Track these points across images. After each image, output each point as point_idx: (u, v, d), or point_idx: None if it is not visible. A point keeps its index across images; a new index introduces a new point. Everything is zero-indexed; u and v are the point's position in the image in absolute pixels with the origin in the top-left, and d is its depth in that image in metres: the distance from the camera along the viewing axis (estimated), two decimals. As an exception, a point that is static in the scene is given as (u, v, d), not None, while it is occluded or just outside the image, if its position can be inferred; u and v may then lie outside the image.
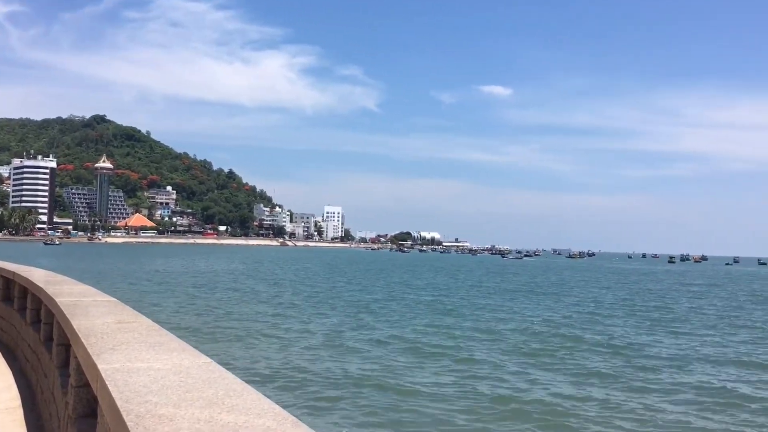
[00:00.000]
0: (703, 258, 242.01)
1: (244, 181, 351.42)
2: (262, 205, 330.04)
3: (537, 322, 31.98)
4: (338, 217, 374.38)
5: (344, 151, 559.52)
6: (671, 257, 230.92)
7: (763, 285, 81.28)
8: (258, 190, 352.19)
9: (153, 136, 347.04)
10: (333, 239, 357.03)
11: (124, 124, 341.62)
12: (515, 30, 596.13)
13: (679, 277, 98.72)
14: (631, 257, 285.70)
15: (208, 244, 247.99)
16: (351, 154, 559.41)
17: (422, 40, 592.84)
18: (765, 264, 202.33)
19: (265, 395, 2.69)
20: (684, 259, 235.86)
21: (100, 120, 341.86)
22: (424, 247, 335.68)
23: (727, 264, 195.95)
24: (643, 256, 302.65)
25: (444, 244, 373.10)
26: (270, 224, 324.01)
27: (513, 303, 43.00)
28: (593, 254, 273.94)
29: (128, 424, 2.25)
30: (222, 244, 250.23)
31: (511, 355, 21.95)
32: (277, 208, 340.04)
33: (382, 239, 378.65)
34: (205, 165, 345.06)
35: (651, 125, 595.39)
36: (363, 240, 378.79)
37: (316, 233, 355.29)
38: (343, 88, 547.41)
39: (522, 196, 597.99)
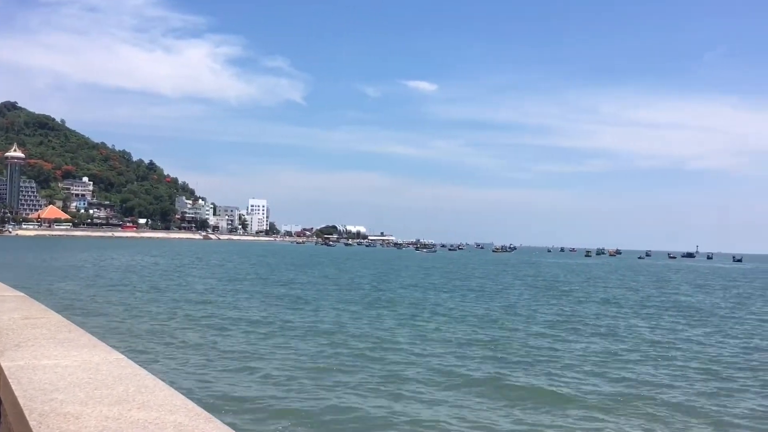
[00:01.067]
0: (618, 252, 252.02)
1: (166, 173, 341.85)
2: (184, 198, 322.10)
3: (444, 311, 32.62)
4: (263, 210, 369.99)
5: (270, 143, 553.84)
6: (588, 251, 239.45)
7: (673, 274, 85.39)
8: (180, 182, 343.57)
9: (68, 124, 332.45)
10: (258, 233, 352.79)
11: (37, 112, 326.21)
12: (441, 25, 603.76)
13: (591, 268, 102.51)
14: (550, 251, 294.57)
15: (128, 237, 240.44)
16: (276, 146, 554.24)
17: (349, 32, 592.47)
18: (674, 258, 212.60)
19: (179, 390, 2.63)
20: (600, 252, 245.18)
21: (10, 107, 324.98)
22: (350, 241, 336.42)
23: (639, 257, 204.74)
24: (562, 250, 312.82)
25: (370, 237, 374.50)
26: (192, 217, 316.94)
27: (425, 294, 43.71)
28: (515, 248, 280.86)
29: (31, 423, 2.16)
30: (142, 238, 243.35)
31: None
32: (200, 201, 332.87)
33: (308, 233, 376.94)
34: (124, 156, 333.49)
35: (570, 122, 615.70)
36: (288, 233, 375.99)
37: (240, 227, 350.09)
38: (269, 80, 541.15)
39: (447, 190, 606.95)
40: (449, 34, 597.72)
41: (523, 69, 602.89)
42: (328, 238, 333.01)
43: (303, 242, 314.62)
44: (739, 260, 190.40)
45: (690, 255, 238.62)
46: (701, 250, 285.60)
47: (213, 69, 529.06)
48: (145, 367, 3.07)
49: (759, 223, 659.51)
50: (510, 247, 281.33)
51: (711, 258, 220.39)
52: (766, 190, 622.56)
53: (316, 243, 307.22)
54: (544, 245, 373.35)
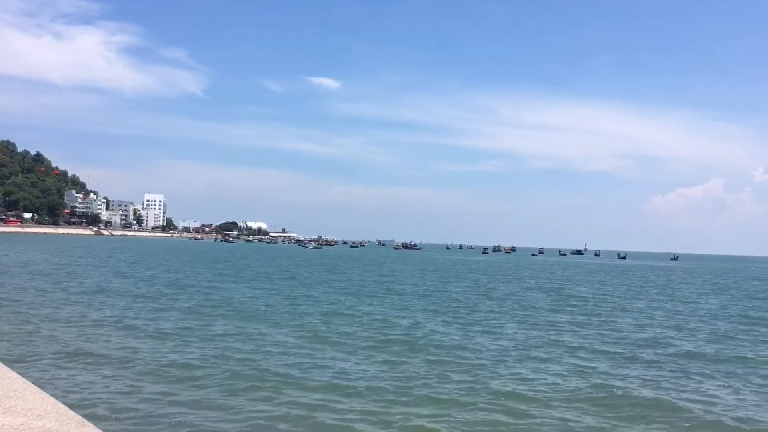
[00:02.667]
0: (513, 249, 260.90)
1: (54, 165, 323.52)
2: (74, 192, 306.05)
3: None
4: (159, 205, 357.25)
5: (167, 136, 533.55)
6: (485, 248, 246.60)
7: (561, 269, 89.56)
8: (70, 175, 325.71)
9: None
10: (153, 228, 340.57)
11: None
12: (344, 22, 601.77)
13: (490, 264, 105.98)
14: (449, 248, 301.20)
15: (10, 232, 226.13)
16: (174, 140, 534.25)
17: (251, 26, 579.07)
18: (565, 255, 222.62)
19: (50, 394, 2.65)
20: (496, 250, 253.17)
21: None
22: (251, 238, 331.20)
23: (532, 254, 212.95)
24: (460, 247, 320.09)
25: (271, 234, 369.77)
26: (83, 212, 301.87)
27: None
28: (415, 245, 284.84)
29: None
30: (27, 233, 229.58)
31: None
32: (92, 195, 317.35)
33: (207, 229, 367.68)
34: (8, 146, 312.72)
35: (468, 123, 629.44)
36: (186, 229, 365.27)
37: (135, 222, 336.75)
38: (167, 71, 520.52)
39: (350, 187, 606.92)
40: (351, 31, 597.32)
41: (422, 69, 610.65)
42: (228, 234, 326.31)
43: (201, 238, 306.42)
44: (624, 257, 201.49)
45: (579, 252, 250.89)
46: (590, 247, 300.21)
47: (107, 58, 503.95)
48: (18, 371, 3.08)
49: (641, 222, 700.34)
50: (411, 245, 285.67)
51: (598, 255, 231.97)
52: (647, 191, 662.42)
53: (216, 239, 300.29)
54: (444, 243, 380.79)
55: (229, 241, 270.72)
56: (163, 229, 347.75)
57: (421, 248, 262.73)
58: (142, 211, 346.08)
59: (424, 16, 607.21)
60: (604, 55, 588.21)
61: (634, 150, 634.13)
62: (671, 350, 23.22)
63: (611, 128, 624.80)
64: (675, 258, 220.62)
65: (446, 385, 16.17)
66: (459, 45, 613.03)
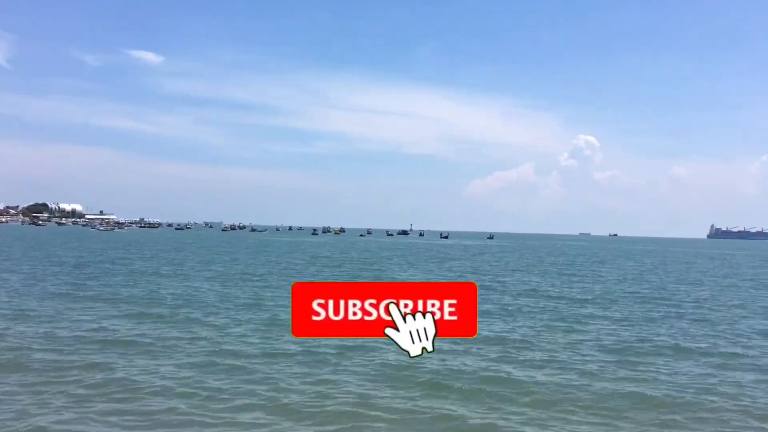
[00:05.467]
0: (342, 230, 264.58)
1: None
2: None
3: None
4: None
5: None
6: (315, 230, 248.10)
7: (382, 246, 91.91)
8: None
9: None
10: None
11: None
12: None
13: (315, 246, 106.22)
14: (279, 230, 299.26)
15: None
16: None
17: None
18: (392, 235, 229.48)
19: None
20: (326, 231, 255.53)
21: None
22: (63, 220, 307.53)
23: (361, 235, 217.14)
24: (290, 228, 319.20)
25: (87, 216, 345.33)
26: None
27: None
28: (244, 227, 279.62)
29: None
30: None
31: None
32: None
33: (12, 211, 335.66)
34: None
35: (300, 104, 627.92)
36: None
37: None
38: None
39: (176, 167, 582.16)
40: (173, 3, 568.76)
41: (251, 48, 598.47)
42: (37, 217, 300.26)
43: (7, 221, 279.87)
44: (446, 237, 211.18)
45: (404, 233, 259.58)
46: (415, 227, 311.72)
47: None
48: None
49: (463, 203, 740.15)
50: (239, 226, 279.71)
51: (423, 235, 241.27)
52: (469, 174, 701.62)
53: (23, 222, 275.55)
54: (273, 224, 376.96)
55: (38, 224, 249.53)
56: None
57: (262, 230, 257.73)
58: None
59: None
60: (431, 42, 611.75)
61: (457, 135, 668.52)
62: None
63: (436, 113, 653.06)
64: (491, 237, 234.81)
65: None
66: (290, 26, 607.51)
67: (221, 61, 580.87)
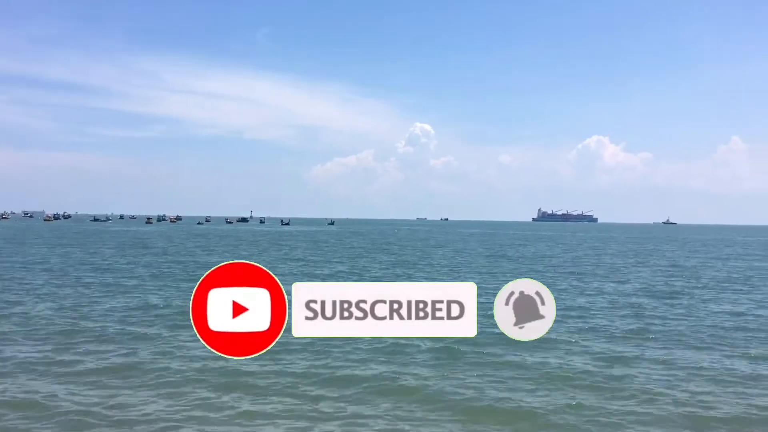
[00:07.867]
0: (179, 218, 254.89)
1: None
2: None
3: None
4: None
5: None
6: (149, 218, 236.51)
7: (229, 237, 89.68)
8: None
9: None
10: None
11: None
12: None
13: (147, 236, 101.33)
14: (110, 218, 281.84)
15: None
16: None
17: None
18: (231, 223, 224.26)
19: None
20: (161, 219, 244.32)
21: None
22: None
23: (198, 223, 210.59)
24: (121, 217, 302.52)
25: None
26: None
27: None
28: (69, 216, 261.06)
29: None
30: None
31: None
32: None
33: None
34: None
35: (130, 86, 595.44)
36: None
37: None
38: None
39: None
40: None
41: (69, 23, 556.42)
42: None
43: None
44: (287, 224, 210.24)
45: (244, 220, 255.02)
46: (255, 215, 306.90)
47: None
48: None
49: (304, 189, 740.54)
50: (64, 216, 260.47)
51: (263, 222, 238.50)
52: (309, 160, 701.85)
53: None
54: (102, 212, 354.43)
55: None
56: None
57: (68, 218, 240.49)
58: None
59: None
60: (266, 27, 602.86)
61: (298, 121, 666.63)
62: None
63: (277, 99, 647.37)
64: (332, 223, 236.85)
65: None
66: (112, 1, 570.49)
67: (34, 35, 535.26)
